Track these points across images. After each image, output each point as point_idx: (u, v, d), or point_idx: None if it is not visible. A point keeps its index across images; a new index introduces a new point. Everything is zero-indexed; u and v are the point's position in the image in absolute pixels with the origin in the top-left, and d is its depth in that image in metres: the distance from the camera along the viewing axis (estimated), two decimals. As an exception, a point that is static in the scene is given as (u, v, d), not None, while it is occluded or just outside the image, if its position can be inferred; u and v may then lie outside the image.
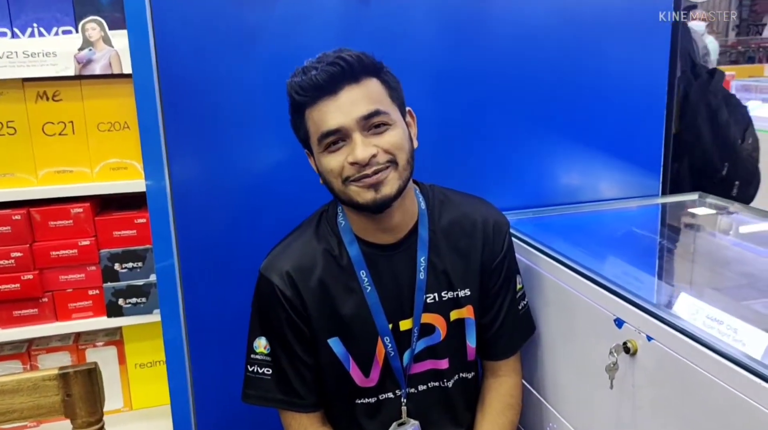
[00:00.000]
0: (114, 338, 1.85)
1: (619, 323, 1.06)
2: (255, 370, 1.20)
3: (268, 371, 1.20)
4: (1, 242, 1.62)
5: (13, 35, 1.51)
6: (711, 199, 1.65)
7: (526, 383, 1.38)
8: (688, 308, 1.00)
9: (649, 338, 0.99)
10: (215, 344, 1.51)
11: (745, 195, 2.11)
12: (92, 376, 1.12)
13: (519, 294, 1.28)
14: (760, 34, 4.81)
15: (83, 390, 1.12)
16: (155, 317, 1.72)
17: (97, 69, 1.47)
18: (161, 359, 1.79)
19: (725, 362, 0.86)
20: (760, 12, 4.84)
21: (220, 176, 1.44)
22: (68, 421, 1.13)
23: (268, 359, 1.20)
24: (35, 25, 1.51)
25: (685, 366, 0.92)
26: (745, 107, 2.25)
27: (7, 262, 1.63)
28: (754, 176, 2.19)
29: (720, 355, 0.87)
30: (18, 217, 1.63)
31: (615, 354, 1.05)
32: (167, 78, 1.34)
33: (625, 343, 1.03)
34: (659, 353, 0.97)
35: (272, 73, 1.15)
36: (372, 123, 1.08)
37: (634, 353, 1.02)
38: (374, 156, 1.07)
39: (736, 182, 2.10)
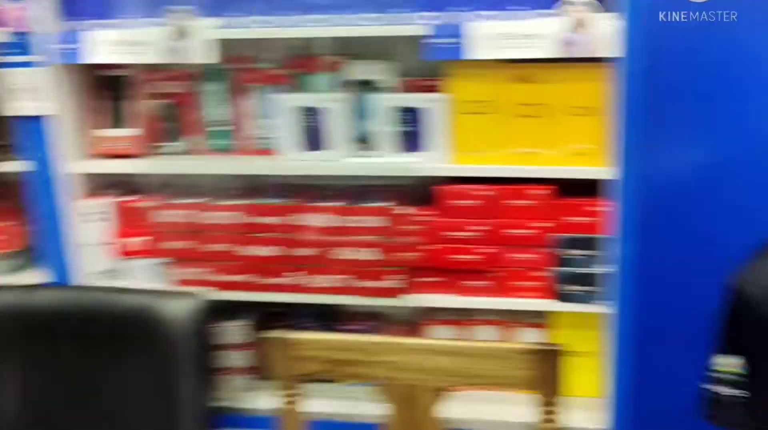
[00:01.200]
0: (538, 320, 1.80)
1: None
2: (724, 391, 1.06)
3: (742, 393, 1.05)
4: (469, 214, 1.69)
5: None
6: None
7: None
8: None
9: None
10: (662, 347, 1.42)
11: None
12: (556, 358, 1.13)
13: None
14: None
15: (547, 369, 1.13)
16: (593, 307, 1.64)
17: (577, 53, 1.44)
18: (583, 350, 1.67)
19: None
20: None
21: (686, 170, 1.34)
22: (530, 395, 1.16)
23: (742, 379, 1.05)
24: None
25: None
26: None
27: (469, 234, 1.70)
28: None
29: None
30: (488, 193, 1.67)
31: None
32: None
33: None
34: None
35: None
36: None
37: None
38: None
39: None
